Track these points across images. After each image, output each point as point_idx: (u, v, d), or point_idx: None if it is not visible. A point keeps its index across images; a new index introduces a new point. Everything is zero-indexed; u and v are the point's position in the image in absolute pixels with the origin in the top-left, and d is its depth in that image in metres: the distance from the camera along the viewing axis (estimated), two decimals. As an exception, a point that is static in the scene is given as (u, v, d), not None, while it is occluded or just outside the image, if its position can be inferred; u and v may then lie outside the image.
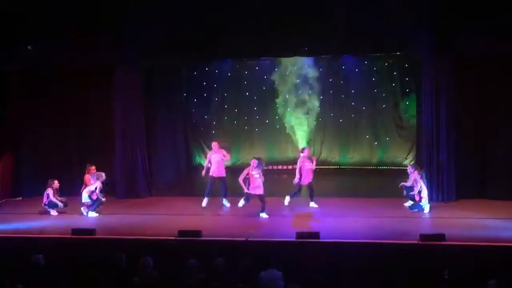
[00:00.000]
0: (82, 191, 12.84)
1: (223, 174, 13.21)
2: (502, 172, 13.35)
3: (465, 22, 12.62)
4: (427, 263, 8.65)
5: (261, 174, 12.08)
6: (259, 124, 17.87)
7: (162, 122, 15.56)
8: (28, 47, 14.04)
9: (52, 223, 11.95)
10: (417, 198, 12.34)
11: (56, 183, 13.00)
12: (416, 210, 12.37)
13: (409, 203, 12.67)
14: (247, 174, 11.98)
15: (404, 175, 13.21)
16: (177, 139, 16.32)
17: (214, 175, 13.11)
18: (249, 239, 10.26)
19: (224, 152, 13.29)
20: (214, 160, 13.13)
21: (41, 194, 12.97)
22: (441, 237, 9.79)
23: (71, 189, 14.50)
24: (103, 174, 12.90)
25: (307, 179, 12.88)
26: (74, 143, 15.25)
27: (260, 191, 12.02)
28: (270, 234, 10.76)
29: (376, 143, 17.39)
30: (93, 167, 13.07)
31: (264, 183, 12.06)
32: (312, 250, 9.78)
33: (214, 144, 13.47)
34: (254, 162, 12.06)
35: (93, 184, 12.75)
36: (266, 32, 13.30)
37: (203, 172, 13.32)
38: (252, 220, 11.79)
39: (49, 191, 12.85)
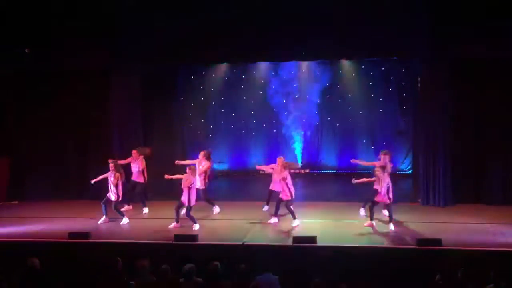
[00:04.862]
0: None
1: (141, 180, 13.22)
2: (498, 177, 13.36)
3: (462, 28, 12.60)
4: (424, 267, 8.67)
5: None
6: (256, 128, 17.89)
7: (159, 125, 15.51)
8: (26, 50, 14.07)
9: (48, 227, 11.90)
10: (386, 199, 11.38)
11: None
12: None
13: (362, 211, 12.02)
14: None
15: (402, 180, 13.17)
16: (174, 143, 16.28)
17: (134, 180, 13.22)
18: (245, 243, 10.25)
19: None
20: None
21: (37, 198, 12.85)
22: (438, 241, 9.81)
23: (68, 193, 14.54)
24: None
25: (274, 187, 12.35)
26: (71, 147, 15.19)
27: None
28: (267, 239, 10.74)
29: (373, 147, 17.40)
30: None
31: (261, 187, 11.93)
32: (309, 255, 9.78)
33: (134, 152, 13.10)
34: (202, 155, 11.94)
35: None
36: (263, 36, 13.29)
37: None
38: (247, 224, 11.78)
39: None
